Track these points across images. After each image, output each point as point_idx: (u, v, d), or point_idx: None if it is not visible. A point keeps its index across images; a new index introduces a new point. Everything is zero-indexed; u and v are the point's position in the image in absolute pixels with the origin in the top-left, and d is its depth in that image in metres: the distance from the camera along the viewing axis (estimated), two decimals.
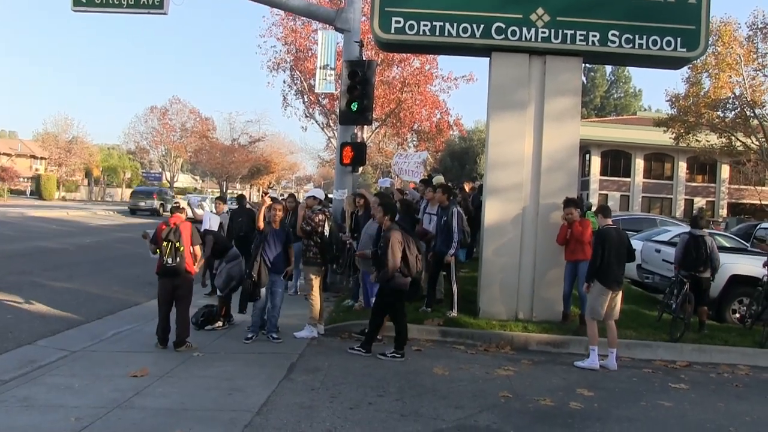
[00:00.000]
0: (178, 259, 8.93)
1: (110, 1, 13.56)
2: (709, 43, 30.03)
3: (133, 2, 13.50)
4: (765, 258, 11.47)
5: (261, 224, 9.72)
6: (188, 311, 9.25)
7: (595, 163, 55.72)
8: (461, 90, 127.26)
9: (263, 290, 9.50)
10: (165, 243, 8.89)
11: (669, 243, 14.88)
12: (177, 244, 8.92)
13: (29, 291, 12.65)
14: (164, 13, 13.70)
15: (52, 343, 8.96)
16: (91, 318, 10.73)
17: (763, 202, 47.24)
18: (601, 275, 9.18)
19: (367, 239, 9.52)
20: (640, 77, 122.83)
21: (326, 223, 10.52)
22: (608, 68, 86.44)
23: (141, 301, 12.37)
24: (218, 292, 10.31)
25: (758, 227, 16.87)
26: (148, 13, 13.85)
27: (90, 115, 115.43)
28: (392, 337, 9.27)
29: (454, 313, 10.84)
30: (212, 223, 10.85)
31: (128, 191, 77.66)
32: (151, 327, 10.11)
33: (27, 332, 9.45)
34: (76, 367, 7.90)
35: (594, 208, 11.63)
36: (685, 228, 14.69)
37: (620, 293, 9.41)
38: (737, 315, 12.39)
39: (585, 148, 53.44)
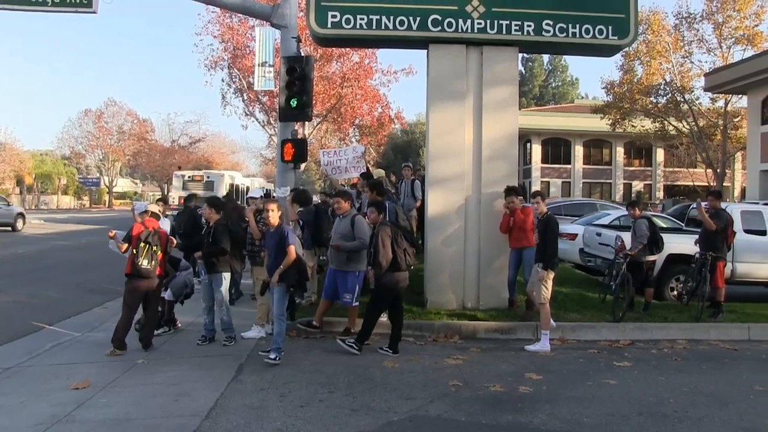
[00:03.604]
0: (154, 263, 8.88)
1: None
2: (639, 31, 30.94)
3: (59, 0, 13.00)
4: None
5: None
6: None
7: (536, 151, 56.62)
8: (402, 83, 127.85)
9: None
10: (143, 245, 8.79)
11: (609, 226, 15.22)
12: (155, 248, 8.88)
13: None
14: (93, 12, 13.22)
15: None
16: (28, 331, 10.25)
17: (696, 184, 48.70)
18: None
19: (339, 237, 9.50)
20: (576, 66, 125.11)
21: None
22: (545, 58, 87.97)
23: (82, 310, 11.96)
24: (166, 297, 10.11)
25: (691, 207, 17.37)
26: (76, 11, 13.31)
27: (18, 120, 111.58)
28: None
29: None
30: (163, 226, 10.66)
31: (65, 198, 75.88)
32: (94, 336, 9.91)
33: None
34: (10, 384, 7.48)
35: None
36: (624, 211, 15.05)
37: None
38: (675, 292, 12.80)
39: (525, 136, 54.24)
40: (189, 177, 35.17)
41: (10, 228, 32.13)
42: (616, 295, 11.06)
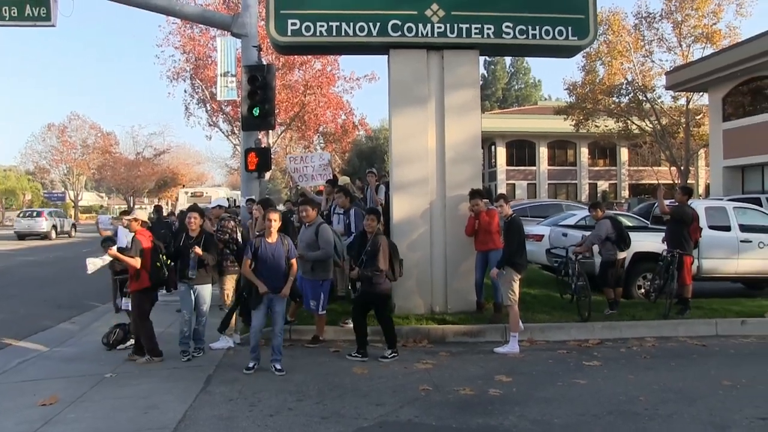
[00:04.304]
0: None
1: None
2: (600, 32, 31.29)
3: (16, 14, 12.72)
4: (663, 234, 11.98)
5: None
6: None
7: (501, 153, 56.99)
8: (365, 90, 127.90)
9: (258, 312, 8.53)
10: (161, 256, 8.89)
11: (575, 226, 15.28)
12: (163, 257, 8.92)
13: None
14: (52, 25, 13.03)
15: None
16: None
17: (660, 182, 49.31)
18: None
19: (304, 246, 9.42)
20: (538, 68, 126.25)
21: (237, 229, 10.41)
22: (507, 60, 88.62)
23: (50, 325, 11.87)
24: (127, 307, 9.90)
25: (655, 206, 17.55)
26: (34, 25, 13.11)
27: None
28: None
29: None
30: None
31: None
32: (63, 351, 9.82)
33: None
34: None
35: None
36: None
37: None
38: (642, 290, 12.90)
39: (490, 139, 54.60)
40: (192, 193, 39.98)
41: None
42: (578, 294, 11.13)
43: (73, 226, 46.11)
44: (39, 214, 42.66)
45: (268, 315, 8.52)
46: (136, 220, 9.12)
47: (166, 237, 12.35)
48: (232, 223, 10.40)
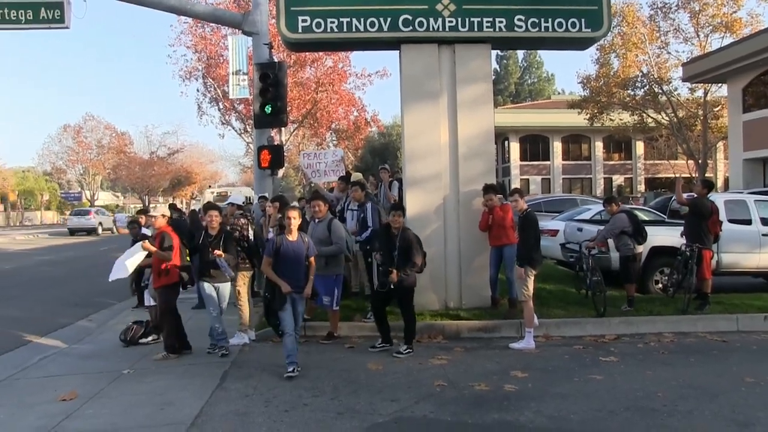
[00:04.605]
0: None
1: (6, 18, 12.95)
2: (614, 24, 30.93)
3: (32, 17, 12.89)
4: (681, 228, 11.84)
5: None
6: None
7: (515, 149, 56.81)
8: (377, 86, 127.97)
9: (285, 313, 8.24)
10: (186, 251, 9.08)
11: (591, 221, 15.17)
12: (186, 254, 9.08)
13: None
14: (66, 27, 13.18)
15: None
16: (15, 345, 10.24)
17: (677, 175, 48.87)
18: None
19: (315, 242, 9.39)
20: (551, 62, 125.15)
21: (249, 226, 10.40)
22: (520, 55, 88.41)
23: (68, 322, 11.98)
24: (150, 303, 9.94)
25: (672, 199, 17.36)
26: (49, 27, 13.24)
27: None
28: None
29: None
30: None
31: (48, 213, 75.94)
32: (81, 348, 9.97)
33: None
34: None
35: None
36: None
37: None
38: (660, 285, 12.76)
39: (503, 134, 54.42)
40: (218, 193, 41.15)
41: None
42: (594, 290, 11.03)
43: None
44: (88, 213, 49.82)
45: None
46: (163, 216, 9.22)
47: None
48: (243, 220, 10.41)
